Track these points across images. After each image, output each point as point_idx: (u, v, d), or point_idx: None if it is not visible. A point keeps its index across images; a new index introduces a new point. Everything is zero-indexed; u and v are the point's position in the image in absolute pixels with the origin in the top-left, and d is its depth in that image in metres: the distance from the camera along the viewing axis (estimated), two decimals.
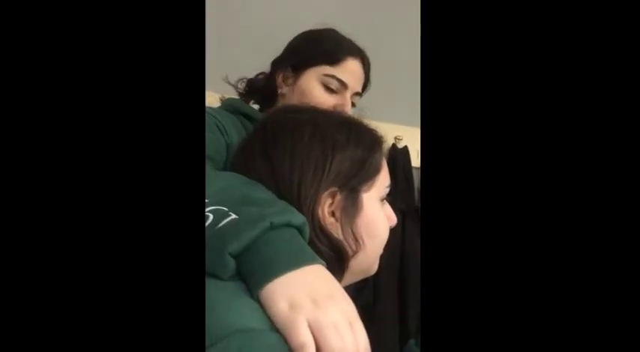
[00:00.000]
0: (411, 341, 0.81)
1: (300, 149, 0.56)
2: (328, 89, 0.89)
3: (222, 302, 0.42)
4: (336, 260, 0.55)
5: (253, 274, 0.45)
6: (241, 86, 0.97)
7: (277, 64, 0.95)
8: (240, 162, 0.60)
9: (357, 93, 0.93)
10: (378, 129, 0.64)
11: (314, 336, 0.41)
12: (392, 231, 0.63)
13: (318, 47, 0.93)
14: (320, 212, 0.55)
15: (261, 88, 0.95)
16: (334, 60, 0.90)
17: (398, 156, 1.70)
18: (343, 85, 0.89)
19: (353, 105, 0.93)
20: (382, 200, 0.62)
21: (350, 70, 0.91)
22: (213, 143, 0.75)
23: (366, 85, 0.96)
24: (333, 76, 0.89)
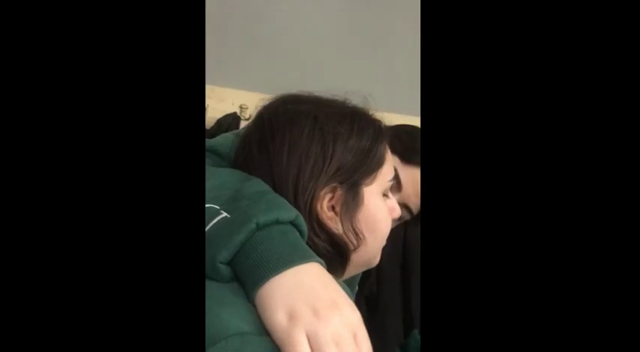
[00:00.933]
0: (415, 331, 0.82)
1: (299, 143, 0.54)
2: None
3: (221, 304, 0.42)
4: (337, 255, 0.54)
5: (245, 280, 0.44)
6: None
7: None
8: (240, 155, 0.59)
9: (406, 207, 0.83)
10: (382, 120, 0.62)
11: (313, 351, 0.39)
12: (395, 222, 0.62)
13: (405, 140, 0.83)
14: (318, 207, 0.53)
15: None
16: (407, 158, 0.82)
17: None
18: (398, 185, 0.81)
19: (399, 219, 0.79)
20: (385, 193, 0.61)
21: (414, 179, 0.82)
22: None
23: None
24: (394, 170, 0.75)
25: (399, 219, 0.81)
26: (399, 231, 1.54)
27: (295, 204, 0.51)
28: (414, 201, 0.84)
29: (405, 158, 0.83)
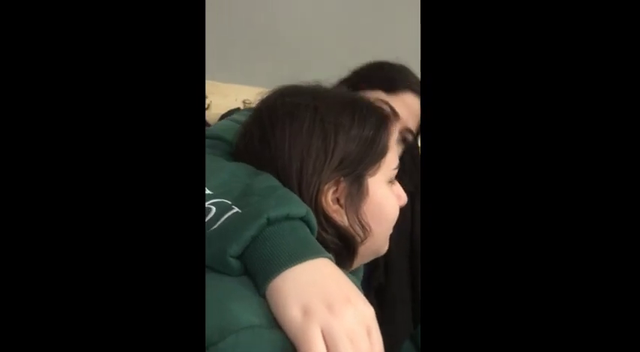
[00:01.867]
0: None
1: (300, 138, 0.54)
2: None
3: (231, 297, 0.42)
4: (344, 248, 0.54)
5: (256, 274, 0.44)
6: None
7: (339, 84, 0.93)
8: (242, 149, 0.58)
9: (408, 130, 0.88)
10: (385, 108, 0.62)
11: (327, 346, 0.39)
12: (401, 212, 0.62)
13: (380, 73, 0.89)
14: (323, 200, 0.53)
15: None
16: (392, 88, 0.87)
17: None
18: (395, 114, 0.81)
19: (404, 141, 0.88)
20: (391, 181, 0.61)
21: (406, 103, 0.87)
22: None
23: (419, 126, 0.91)
24: (385, 103, 0.81)
25: (404, 141, 0.86)
26: (406, 222, 1.54)
27: (300, 197, 0.51)
28: (413, 122, 0.89)
29: (390, 88, 0.87)
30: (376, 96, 0.83)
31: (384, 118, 0.60)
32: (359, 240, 0.55)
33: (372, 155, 0.57)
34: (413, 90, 0.88)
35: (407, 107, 0.87)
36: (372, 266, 1.39)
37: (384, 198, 0.58)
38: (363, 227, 0.55)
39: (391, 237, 0.62)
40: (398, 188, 0.61)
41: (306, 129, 0.54)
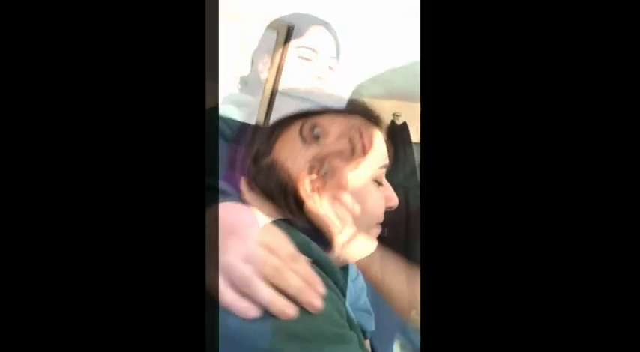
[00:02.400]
0: (413, 311, 0.82)
1: (281, 137, 0.57)
2: (304, 59, 0.94)
3: None
4: (323, 242, 0.55)
5: None
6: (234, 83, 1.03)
7: (254, 55, 1.01)
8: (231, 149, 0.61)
9: (332, 57, 0.98)
10: (370, 108, 0.63)
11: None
12: (396, 208, 0.63)
13: (282, 28, 0.96)
14: (302, 192, 0.55)
15: (248, 81, 1.01)
16: (299, 32, 0.95)
17: (397, 133, 1.69)
18: (314, 51, 0.94)
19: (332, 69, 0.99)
20: (378, 179, 0.62)
21: (316, 37, 0.97)
22: None
23: (338, 49, 1.01)
24: (302, 46, 0.94)
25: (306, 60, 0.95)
26: (401, 219, 1.54)
27: (282, 190, 0.54)
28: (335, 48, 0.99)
29: (298, 35, 0.94)
30: (292, 46, 0.94)
31: (368, 117, 0.62)
32: (336, 230, 0.57)
33: (351, 153, 0.58)
34: (314, 24, 0.98)
35: (319, 39, 0.97)
36: (369, 262, 1.40)
37: (365, 192, 0.59)
38: (338, 217, 0.57)
39: (386, 233, 0.63)
40: (387, 189, 0.63)
41: (285, 128, 0.57)
